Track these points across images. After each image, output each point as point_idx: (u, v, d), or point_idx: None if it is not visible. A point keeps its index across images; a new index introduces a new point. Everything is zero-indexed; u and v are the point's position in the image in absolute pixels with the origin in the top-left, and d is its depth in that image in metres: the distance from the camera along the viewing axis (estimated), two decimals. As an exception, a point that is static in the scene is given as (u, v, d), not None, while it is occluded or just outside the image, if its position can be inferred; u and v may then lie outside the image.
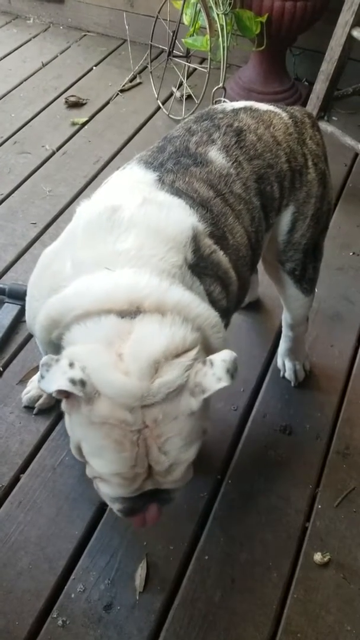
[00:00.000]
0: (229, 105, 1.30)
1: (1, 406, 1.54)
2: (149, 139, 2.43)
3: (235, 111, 1.26)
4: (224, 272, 1.10)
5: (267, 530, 1.36)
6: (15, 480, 1.40)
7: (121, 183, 1.14)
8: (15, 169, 2.30)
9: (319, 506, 1.40)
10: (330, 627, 1.23)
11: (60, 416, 1.51)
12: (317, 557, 1.31)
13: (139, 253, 0.99)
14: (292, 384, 1.62)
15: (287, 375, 1.62)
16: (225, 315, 1.11)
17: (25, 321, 1.77)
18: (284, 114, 1.30)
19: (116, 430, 0.90)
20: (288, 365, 1.62)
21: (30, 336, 1.74)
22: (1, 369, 1.63)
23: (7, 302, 1.80)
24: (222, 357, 0.91)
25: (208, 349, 0.99)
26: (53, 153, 2.37)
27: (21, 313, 1.78)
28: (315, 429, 1.53)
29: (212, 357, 0.92)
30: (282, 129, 1.27)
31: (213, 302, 1.06)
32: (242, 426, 1.54)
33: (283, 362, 1.63)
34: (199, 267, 1.04)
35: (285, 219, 1.30)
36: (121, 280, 0.96)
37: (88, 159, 2.34)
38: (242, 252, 1.15)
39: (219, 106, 1.30)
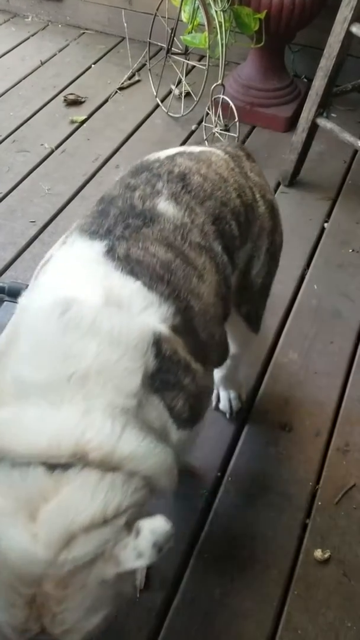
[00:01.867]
0: (162, 153, 1.21)
1: None
2: (147, 137, 2.43)
3: (171, 157, 1.17)
4: (186, 369, 0.95)
5: (267, 527, 1.36)
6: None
7: (68, 264, 0.99)
8: (14, 167, 2.29)
9: (319, 503, 1.40)
10: (331, 623, 1.23)
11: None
12: (318, 553, 1.31)
13: (93, 379, 0.84)
14: (227, 415, 1.52)
15: (221, 406, 1.52)
16: (194, 420, 0.98)
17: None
18: (218, 151, 1.23)
19: (8, 588, 0.79)
20: (222, 394, 1.52)
21: (29, 334, 1.74)
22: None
23: (7, 301, 1.79)
24: (153, 528, 0.78)
25: (155, 489, 0.89)
26: (52, 151, 2.37)
27: (20, 311, 1.78)
28: (315, 425, 1.53)
29: (141, 523, 0.79)
30: (224, 166, 1.19)
31: (175, 417, 0.93)
32: (242, 423, 1.54)
33: (217, 392, 1.52)
34: (160, 376, 0.90)
35: (243, 257, 1.21)
36: (67, 422, 0.82)
37: (87, 157, 2.34)
38: (211, 311, 1.04)
39: (151, 156, 1.20)
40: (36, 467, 0.80)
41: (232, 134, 2.21)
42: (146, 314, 0.92)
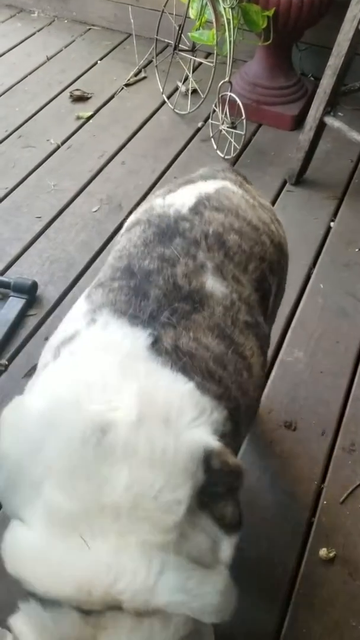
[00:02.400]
0: (178, 199, 1.04)
1: (7, 400, 1.54)
2: (153, 134, 2.42)
3: (195, 211, 1.01)
4: (236, 474, 0.86)
5: (273, 526, 1.36)
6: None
7: (104, 357, 0.84)
8: (20, 162, 2.29)
9: (324, 502, 1.40)
10: (336, 622, 1.23)
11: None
12: (323, 552, 1.31)
13: (126, 511, 0.74)
14: None
15: None
16: (242, 518, 0.87)
17: (31, 314, 1.79)
18: (229, 185, 1.11)
19: None
20: None
21: (35, 330, 1.74)
22: (7, 363, 1.63)
23: (12, 296, 1.80)
24: None
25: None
26: (58, 147, 2.36)
27: (26, 307, 1.78)
28: (321, 425, 1.53)
29: None
30: (246, 206, 1.07)
31: (226, 526, 0.83)
32: (247, 422, 1.54)
33: None
34: (208, 490, 0.80)
35: (272, 300, 1.12)
36: (97, 564, 0.73)
37: (93, 153, 2.33)
38: (254, 404, 0.99)
39: (168, 209, 1.02)
40: (70, 610, 0.74)
41: (239, 132, 2.20)
42: (196, 427, 0.80)
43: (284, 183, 2.18)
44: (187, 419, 0.80)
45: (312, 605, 1.25)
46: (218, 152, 2.28)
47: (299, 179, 2.16)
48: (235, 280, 0.97)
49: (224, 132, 2.26)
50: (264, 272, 1.03)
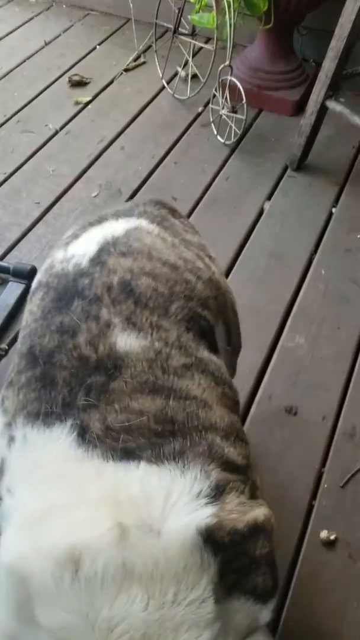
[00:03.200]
0: (78, 255, 0.90)
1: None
2: (153, 119, 2.40)
3: (97, 261, 0.88)
4: (254, 533, 0.73)
5: (273, 509, 1.35)
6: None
7: (35, 477, 0.72)
8: (19, 148, 2.27)
9: (325, 486, 1.40)
10: (337, 604, 1.23)
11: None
12: (324, 535, 1.31)
13: (156, 629, 0.63)
14: None
15: None
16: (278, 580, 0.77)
17: (29, 300, 1.79)
18: (144, 224, 0.97)
19: None
20: None
21: (34, 315, 1.73)
22: (7, 347, 1.63)
23: (12, 281, 1.79)
24: None
25: None
26: (56, 132, 2.34)
27: (26, 292, 1.77)
28: (322, 410, 1.53)
29: None
30: (162, 245, 0.95)
31: (260, 596, 0.72)
32: (247, 408, 1.53)
33: None
34: (231, 568, 0.69)
35: (220, 336, 1.01)
36: None
37: (92, 139, 2.31)
38: (236, 427, 0.84)
39: (67, 265, 0.89)
40: None
41: (240, 116, 2.18)
42: (175, 510, 0.67)
43: (285, 169, 2.17)
44: (158, 507, 0.67)
45: (313, 588, 1.25)
46: (218, 137, 2.27)
47: (301, 165, 2.14)
48: (155, 327, 0.83)
49: (224, 117, 2.24)
50: (193, 309, 0.89)
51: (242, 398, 1.53)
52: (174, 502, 0.68)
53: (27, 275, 1.78)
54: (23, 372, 0.80)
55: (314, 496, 1.38)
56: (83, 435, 0.72)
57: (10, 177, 2.15)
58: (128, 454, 0.71)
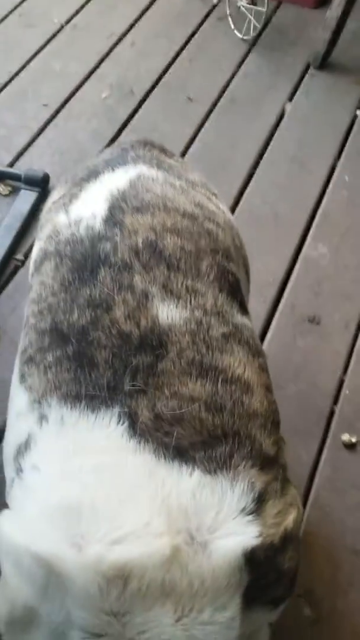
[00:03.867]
0: (86, 217, 0.83)
1: (27, 296, 1.52)
2: (165, 12, 2.24)
3: (113, 221, 0.81)
4: (284, 546, 0.71)
5: (296, 413, 1.38)
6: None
7: (74, 467, 0.67)
8: (22, 44, 2.13)
9: (347, 392, 1.42)
10: (358, 503, 1.28)
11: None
12: (345, 437, 1.34)
13: None
14: None
15: None
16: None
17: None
18: (145, 169, 0.90)
19: None
20: None
21: (50, 224, 1.68)
22: (23, 259, 1.59)
23: (24, 189, 1.73)
24: None
25: None
26: (62, 27, 2.19)
27: (39, 200, 1.71)
28: (344, 318, 1.52)
29: None
30: (173, 193, 0.88)
31: (276, 603, 0.73)
32: (270, 317, 1.53)
33: None
34: (258, 583, 0.67)
35: (243, 283, 0.96)
36: None
37: (100, 34, 2.16)
38: (273, 412, 0.80)
39: (77, 230, 0.82)
40: None
41: (260, 8, 2.03)
42: (224, 528, 0.65)
43: (307, 66, 2.04)
44: (208, 522, 0.65)
45: (334, 487, 1.30)
46: (236, 32, 2.12)
47: (324, 62, 2.02)
48: (192, 293, 0.78)
49: (242, 9, 2.08)
50: (221, 264, 0.84)
51: (265, 308, 1.53)
52: (223, 519, 0.66)
53: (39, 182, 1.72)
54: (49, 350, 0.73)
55: (335, 402, 1.41)
56: (133, 425, 0.67)
57: (15, 76, 2.03)
58: (181, 454, 0.67)
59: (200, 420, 0.69)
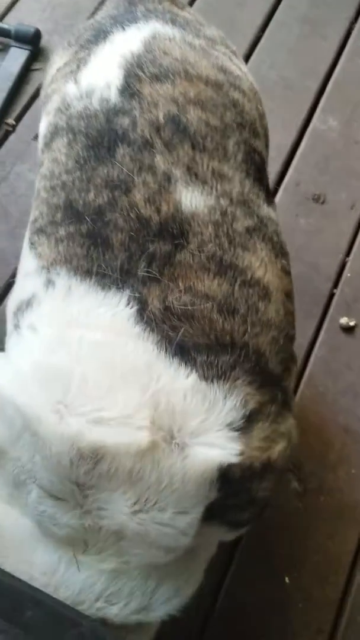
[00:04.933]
0: (100, 87, 0.75)
1: (18, 163, 1.44)
2: None
3: (129, 91, 0.74)
4: (262, 474, 0.69)
5: (295, 295, 1.36)
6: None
7: (73, 336, 0.66)
8: None
9: (348, 275, 1.39)
10: (351, 384, 1.29)
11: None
12: (343, 321, 1.33)
13: (133, 534, 0.64)
14: None
15: None
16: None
17: (36, 69, 1.60)
18: (157, 26, 0.80)
19: None
20: None
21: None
22: (14, 123, 1.49)
23: (14, 47, 1.59)
24: None
25: None
26: None
27: (30, 59, 1.58)
28: (351, 198, 1.46)
29: None
30: (194, 55, 0.78)
31: (234, 526, 0.73)
32: (273, 194, 1.46)
33: None
34: (225, 502, 0.67)
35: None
36: (91, 586, 0.66)
37: None
38: (285, 330, 0.74)
39: (90, 102, 0.75)
40: None
41: None
42: (205, 436, 0.64)
43: None
44: (192, 427, 0.64)
45: (329, 369, 1.30)
46: None
47: None
48: (218, 177, 0.72)
49: None
50: (248, 141, 0.78)
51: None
52: (207, 427, 0.64)
53: (30, 39, 1.58)
54: (61, 224, 0.71)
55: (335, 285, 1.38)
56: (142, 311, 0.65)
57: None
58: (182, 352, 0.65)
59: (210, 322, 0.66)
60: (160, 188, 0.69)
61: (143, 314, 0.65)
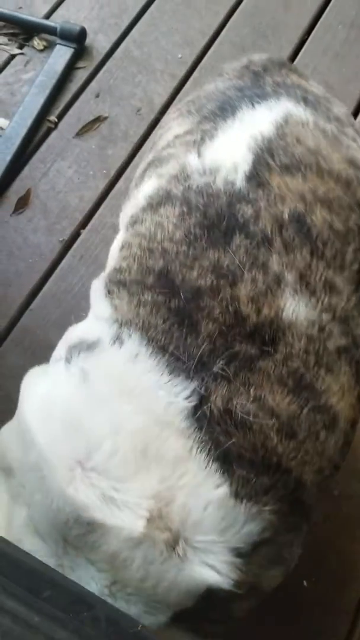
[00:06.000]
0: (226, 167, 0.72)
1: (59, 160, 1.47)
2: None
3: (257, 179, 0.70)
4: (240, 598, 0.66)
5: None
6: (76, 235, 1.39)
7: (118, 404, 0.64)
8: None
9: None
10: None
11: (119, 177, 1.44)
12: None
13: None
14: None
15: None
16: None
17: (80, 67, 1.63)
18: (290, 106, 0.76)
19: None
20: None
21: (85, 84, 1.59)
22: (56, 120, 1.53)
23: (59, 44, 1.62)
24: None
25: None
26: None
27: (75, 57, 1.61)
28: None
29: None
30: (326, 145, 0.74)
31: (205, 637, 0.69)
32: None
33: None
34: (202, 615, 0.64)
35: None
36: None
37: None
38: (334, 461, 0.70)
39: (212, 180, 0.72)
40: None
41: None
42: (208, 554, 0.61)
43: None
44: (200, 541, 0.60)
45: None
46: None
47: None
48: (327, 289, 0.68)
49: None
50: None
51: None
52: (215, 549, 0.61)
53: (76, 37, 1.61)
54: (150, 289, 0.67)
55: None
56: (198, 407, 0.62)
57: None
58: (225, 460, 0.62)
59: (265, 439, 0.62)
60: (267, 289, 0.66)
61: (199, 409, 0.62)
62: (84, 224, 1.40)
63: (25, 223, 1.39)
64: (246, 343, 0.64)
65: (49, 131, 1.51)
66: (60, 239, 1.37)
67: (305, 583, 1.08)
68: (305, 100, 0.79)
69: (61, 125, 1.53)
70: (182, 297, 0.65)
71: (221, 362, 0.63)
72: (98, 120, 1.52)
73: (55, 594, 0.47)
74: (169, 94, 1.55)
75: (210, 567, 0.61)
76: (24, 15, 1.65)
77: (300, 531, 0.68)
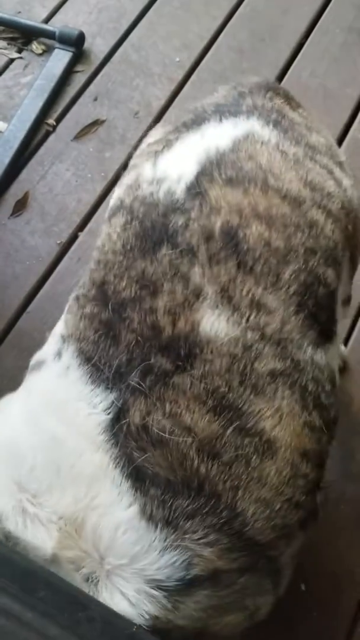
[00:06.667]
0: (172, 178, 0.72)
1: (57, 162, 1.47)
2: None
3: (196, 190, 0.69)
4: None
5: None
6: (74, 237, 1.39)
7: (44, 423, 0.64)
8: None
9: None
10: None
11: (116, 180, 1.44)
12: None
13: None
14: None
15: None
16: None
17: (78, 71, 1.63)
18: (256, 126, 0.75)
19: None
20: None
21: (84, 88, 1.59)
22: (54, 123, 1.53)
23: (58, 48, 1.62)
24: None
25: None
26: None
27: (73, 61, 1.62)
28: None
29: None
30: (282, 164, 0.73)
31: None
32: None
33: None
34: None
35: (345, 275, 0.81)
36: None
37: None
38: (285, 494, 0.64)
39: (157, 190, 0.71)
40: None
41: None
42: (119, 584, 0.57)
43: None
44: (112, 564, 0.57)
45: (356, 379, 1.30)
46: None
47: None
48: (257, 307, 0.65)
49: None
50: (314, 271, 0.69)
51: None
52: (126, 575, 0.57)
53: (74, 41, 1.61)
54: (90, 302, 0.68)
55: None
56: (117, 420, 0.61)
57: None
58: (137, 478, 0.59)
59: (183, 458, 0.59)
60: (185, 301, 0.64)
61: (116, 424, 0.61)
62: (81, 226, 1.40)
63: (23, 225, 1.39)
64: (161, 356, 0.62)
65: (47, 134, 1.51)
66: (58, 242, 1.37)
67: (303, 587, 1.08)
68: (276, 123, 0.78)
69: (59, 128, 1.53)
70: (110, 309, 0.66)
71: (138, 373, 0.62)
72: (96, 123, 1.52)
73: (50, 594, 0.46)
74: (166, 98, 1.56)
75: (122, 595, 0.57)
76: (23, 19, 1.66)
77: (264, 572, 0.63)
